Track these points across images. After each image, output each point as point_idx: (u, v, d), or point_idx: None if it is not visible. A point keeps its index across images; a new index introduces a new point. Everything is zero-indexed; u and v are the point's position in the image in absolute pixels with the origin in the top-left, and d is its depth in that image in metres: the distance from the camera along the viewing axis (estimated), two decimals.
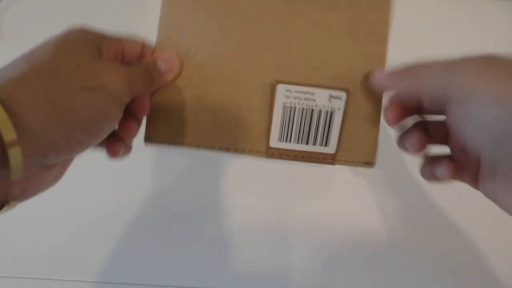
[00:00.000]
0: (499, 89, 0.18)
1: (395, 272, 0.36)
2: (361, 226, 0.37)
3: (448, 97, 0.20)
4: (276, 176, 0.39)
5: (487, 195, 0.22)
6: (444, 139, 0.25)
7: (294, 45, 0.27)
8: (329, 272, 0.35)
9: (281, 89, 0.27)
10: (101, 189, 0.38)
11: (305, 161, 0.27)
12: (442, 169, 0.24)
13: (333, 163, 0.27)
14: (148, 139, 0.27)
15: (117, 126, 0.26)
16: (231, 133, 0.27)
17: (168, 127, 0.27)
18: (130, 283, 0.34)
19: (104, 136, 0.23)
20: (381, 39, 0.28)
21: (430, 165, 0.25)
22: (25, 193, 0.21)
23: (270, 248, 0.36)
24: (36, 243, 0.36)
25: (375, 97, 0.27)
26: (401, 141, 0.26)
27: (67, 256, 0.35)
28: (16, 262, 0.36)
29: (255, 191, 0.39)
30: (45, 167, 0.21)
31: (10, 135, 0.17)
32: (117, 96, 0.22)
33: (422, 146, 0.24)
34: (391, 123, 0.25)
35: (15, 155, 0.17)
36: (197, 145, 0.27)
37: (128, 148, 0.27)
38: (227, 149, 0.27)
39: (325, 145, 0.27)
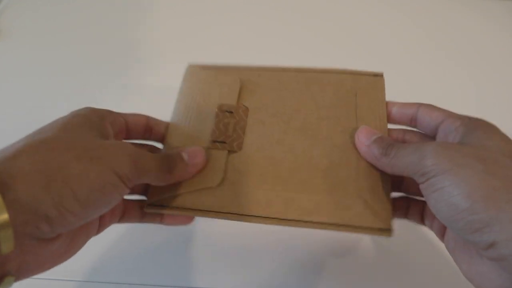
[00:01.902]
0: (458, 170, 0.21)
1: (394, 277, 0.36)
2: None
3: (419, 175, 0.23)
4: None
5: (449, 251, 0.25)
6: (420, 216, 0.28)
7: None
8: (328, 275, 0.35)
9: None
10: None
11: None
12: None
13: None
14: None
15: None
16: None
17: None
18: (131, 283, 0.34)
19: (104, 209, 0.22)
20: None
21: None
22: (24, 270, 0.20)
23: (270, 248, 0.36)
24: None
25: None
26: None
27: None
28: None
29: None
30: (43, 240, 0.20)
31: (1, 215, 0.17)
32: (116, 168, 0.21)
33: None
34: None
35: (2, 224, 0.17)
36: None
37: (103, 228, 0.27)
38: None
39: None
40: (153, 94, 0.44)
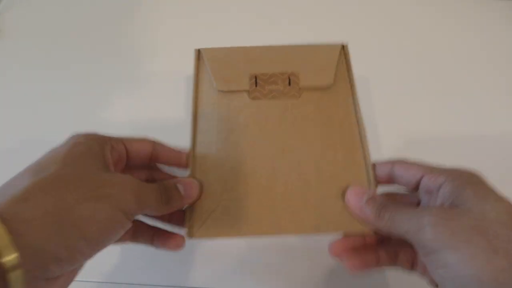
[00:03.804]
0: (461, 246, 0.20)
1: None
2: None
3: (419, 246, 0.22)
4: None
5: None
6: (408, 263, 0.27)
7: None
8: (327, 275, 0.35)
9: None
10: None
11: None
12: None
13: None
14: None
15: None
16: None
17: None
18: (130, 283, 0.34)
19: (108, 244, 0.22)
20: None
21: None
22: None
23: (270, 249, 0.36)
24: None
25: None
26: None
27: None
28: None
29: None
30: (49, 280, 0.20)
31: (11, 257, 0.17)
32: (123, 206, 0.22)
33: (356, 269, 0.27)
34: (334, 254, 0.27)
35: (15, 276, 0.17)
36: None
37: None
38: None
39: None
40: (158, 94, 0.44)
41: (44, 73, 0.46)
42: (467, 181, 0.23)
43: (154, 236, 0.29)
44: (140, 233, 0.29)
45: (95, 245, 0.21)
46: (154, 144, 0.29)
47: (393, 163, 0.28)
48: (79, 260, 0.20)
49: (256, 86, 0.33)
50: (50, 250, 0.19)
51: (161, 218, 0.30)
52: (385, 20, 0.52)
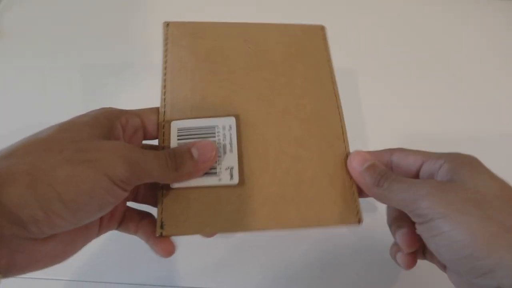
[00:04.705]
0: (455, 215, 0.21)
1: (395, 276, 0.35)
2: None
3: (415, 214, 0.23)
4: None
5: (452, 282, 0.24)
6: None
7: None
8: (328, 273, 0.35)
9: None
10: None
11: None
12: (400, 259, 0.26)
13: None
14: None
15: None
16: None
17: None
18: (130, 283, 0.34)
19: (98, 213, 0.21)
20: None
21: (396, 248, 0.27)
22: (14, 268, 0.20)
23: (268, 248, 0.36)
24: None
25: None
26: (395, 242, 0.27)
27: None
28: None
29: None
30: (35, 240, 0.20)
31: None
32: (109, 172, 0.20)
33: (411, 244, 0.26)
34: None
35: None
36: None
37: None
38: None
39: None
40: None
41: (44, 73, 0.46)
42: (464, 162, 0.24)
43: (140, 229, 0.27)
44: (128, 220, 0.27)
45: (75, 209, 0.20)
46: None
47: (392, 151, 0.27)
48: (59, 223, 0.19)
49: None
50: (23, 208, 0.18)
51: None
52: (386, 20, 0.52)
